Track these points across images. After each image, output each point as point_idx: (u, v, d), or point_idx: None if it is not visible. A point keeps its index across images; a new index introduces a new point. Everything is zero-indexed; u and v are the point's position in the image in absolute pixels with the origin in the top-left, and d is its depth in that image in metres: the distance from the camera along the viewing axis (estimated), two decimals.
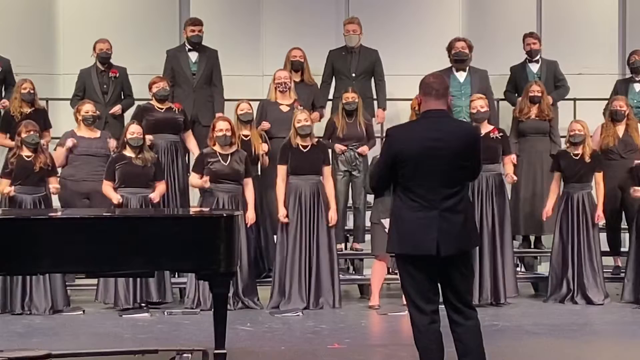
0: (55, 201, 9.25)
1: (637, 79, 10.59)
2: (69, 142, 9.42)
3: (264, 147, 9.54)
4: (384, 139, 5.55)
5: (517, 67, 10.79)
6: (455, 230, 5.28)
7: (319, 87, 10.55)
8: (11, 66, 10.41)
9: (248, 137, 9.52)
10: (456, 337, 5.38)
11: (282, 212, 9.10)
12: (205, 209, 8.34)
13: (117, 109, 10.24)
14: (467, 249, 5.42)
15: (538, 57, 10.71)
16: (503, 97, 10.91)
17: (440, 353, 5.34)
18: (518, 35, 10.95)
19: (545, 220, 9.59)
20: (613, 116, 9.92)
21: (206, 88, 10.42)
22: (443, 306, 5.39)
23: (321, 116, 10.41)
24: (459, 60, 10.32)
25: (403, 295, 8.95)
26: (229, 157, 9.09)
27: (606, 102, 10.55)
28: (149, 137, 9.37)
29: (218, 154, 9.08)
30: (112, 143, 9.51)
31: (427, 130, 5.34)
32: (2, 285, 8.83)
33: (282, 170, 9.17)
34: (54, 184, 8.99)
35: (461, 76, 10.33)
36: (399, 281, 5.49)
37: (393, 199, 5.46)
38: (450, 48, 10.38)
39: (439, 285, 5.39)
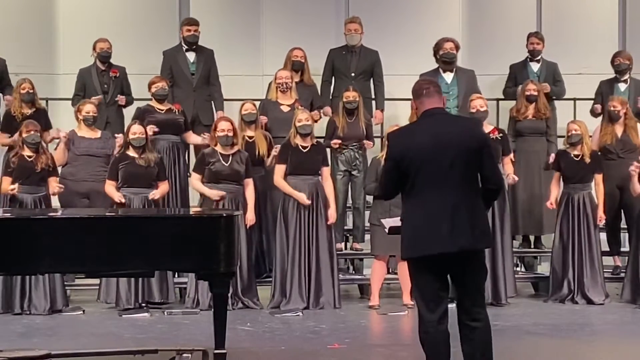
0: (55, 201, 9.25)
1: (621, 79, 10.57)
2: (62, 133, 9.42)
3: (276, 149, 9.46)
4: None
5: (518, 65, 10.76)
6: (467, 227, 5.20)
7: (318, 87, 10.54)
8: (6, 66, 10.40)
9: (253, 138, 9.52)
10: (464, 338, 5.35)
11: (300, 196, 9.05)
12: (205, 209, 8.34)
13: (121, 98, 10.24)
14: (480, 247, 5.34)
15: (539, 57, 10.70)
16: (503, 97, 10.90)
17: (447, 354, 5.32)
18: (518, 35, 10.94)
19: (552, 208, 9.48)
20: (609, 116, 9.91)
21: (205, 88, 10.44)
22: (450, 306, 5.36)
23: (325, 114, 10.37)
24: (447, 62, 10.26)
25: (403, 295, 9.08)
26: (230, 157, 9.08)
27: (591, 102, 10.55)
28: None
29: (219, 154, 9.07)
30: (119, 141, 9.44)
31: (428, 129, 5.30)
32: (2, 285, 8.83)
33: (280, 169, 9.15)
34: (56, 185, 8.97)
35: (448, 77, 10.28)
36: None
37: (403, 204, 5.37)
38: (437, 48, 10.29)
39: (448, 285, 5.36)
